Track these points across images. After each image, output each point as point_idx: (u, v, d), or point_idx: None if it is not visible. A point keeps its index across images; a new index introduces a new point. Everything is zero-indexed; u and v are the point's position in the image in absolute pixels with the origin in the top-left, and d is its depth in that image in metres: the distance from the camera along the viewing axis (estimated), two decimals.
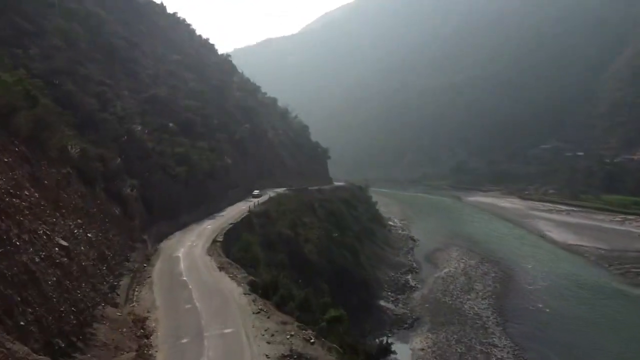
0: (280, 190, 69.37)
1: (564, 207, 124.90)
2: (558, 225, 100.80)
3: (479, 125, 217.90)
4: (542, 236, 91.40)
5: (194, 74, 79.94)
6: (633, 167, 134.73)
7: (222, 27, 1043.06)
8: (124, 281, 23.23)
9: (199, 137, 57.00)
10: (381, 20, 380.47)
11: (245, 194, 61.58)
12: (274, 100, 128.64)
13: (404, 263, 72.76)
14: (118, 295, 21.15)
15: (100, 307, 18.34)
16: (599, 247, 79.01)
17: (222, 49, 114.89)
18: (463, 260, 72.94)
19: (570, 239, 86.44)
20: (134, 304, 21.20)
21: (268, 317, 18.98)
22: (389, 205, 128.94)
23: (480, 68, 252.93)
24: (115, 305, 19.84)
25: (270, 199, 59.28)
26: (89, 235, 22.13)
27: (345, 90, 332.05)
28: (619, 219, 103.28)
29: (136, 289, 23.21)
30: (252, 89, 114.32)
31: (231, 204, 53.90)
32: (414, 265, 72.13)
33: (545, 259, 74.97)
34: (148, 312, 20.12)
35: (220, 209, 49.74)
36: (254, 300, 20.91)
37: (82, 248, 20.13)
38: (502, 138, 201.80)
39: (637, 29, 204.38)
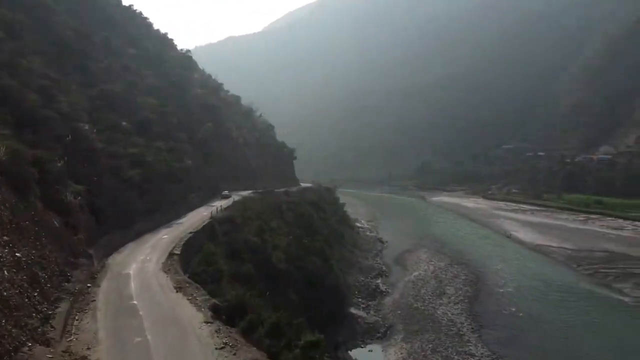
0: (246, 193, 66.01)
1: (527, 207, 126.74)
2: (523, 225, 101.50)
3: (444, 125, 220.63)
4: (508, 236, 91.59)
5: (152, 70, 75.18)
6: (592, 166, 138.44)
7: (182, 23, 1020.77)
8: (62, 308, 19.54)
9: (157, 137, 52.82)
10: (350, 21, 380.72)
11: (208, 198, 57.87)
12: (238, 98, 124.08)
13: (374, 266, 71.00)
14: (53, 328, 17.53)
15: (26, 349, 14.83)
16: (565, 247, 79.41)
17: (182, 45, 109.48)
18: (432, 263, 71.80)
19: (536, 239, 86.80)
20: (72, 337, 17.68)
21: (234, 354, 15.87)
22: (356, 206, 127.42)
23: (446, 69, 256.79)
24: (48, 343, 16.29)
25: (235, 202, 55.81)
26: (17, 255, 18.42)
27: (317, 90, 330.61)
28: (582, 218, 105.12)
29: (76, 317, 19.59)
30: (214, 87, 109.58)
31: (192, 209, 50.04)
32: (384, 268, 70.51)
33: (513, 259, 74.83)
34: (88, 348, 16.73)
35: (180, 215, 45.85)
36: (217, 331, 17.76)
37: (6, 273, 16.48)
38: (466, 138, 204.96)
39: (594, 32, 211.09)
